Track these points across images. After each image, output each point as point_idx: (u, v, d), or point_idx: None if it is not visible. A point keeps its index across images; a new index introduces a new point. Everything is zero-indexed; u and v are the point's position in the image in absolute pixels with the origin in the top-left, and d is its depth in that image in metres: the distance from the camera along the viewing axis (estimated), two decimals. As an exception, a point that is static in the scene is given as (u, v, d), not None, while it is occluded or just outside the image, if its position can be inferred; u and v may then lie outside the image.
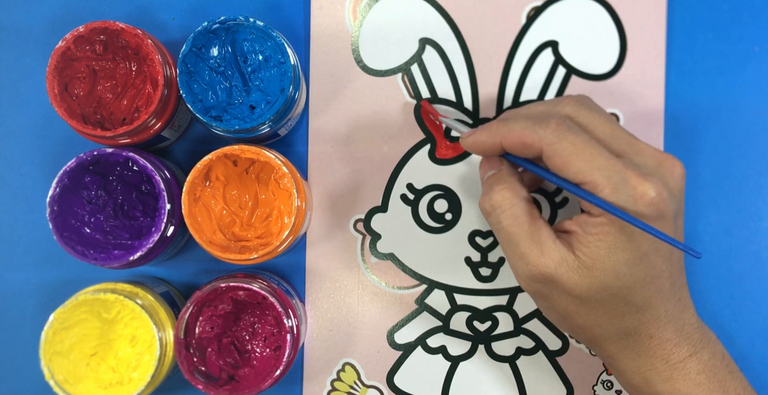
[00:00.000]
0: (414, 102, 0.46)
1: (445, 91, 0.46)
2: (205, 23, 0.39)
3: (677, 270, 0.38)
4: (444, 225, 0.46)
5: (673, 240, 0.34)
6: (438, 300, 0.46)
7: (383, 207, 0.46)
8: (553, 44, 0.46)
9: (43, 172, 0.46)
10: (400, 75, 0.46)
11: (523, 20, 0.46)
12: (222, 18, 0.39)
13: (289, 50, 0.40)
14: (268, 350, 0.42)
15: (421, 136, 0.46)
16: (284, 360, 0.39)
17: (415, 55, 0.46)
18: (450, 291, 0.46)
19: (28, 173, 0.46)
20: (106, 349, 0.41)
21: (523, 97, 0.46)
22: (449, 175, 0.46)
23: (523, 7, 0.46)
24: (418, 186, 0.46)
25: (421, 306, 0.46)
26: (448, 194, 0.46)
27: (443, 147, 0.46)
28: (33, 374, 0.41)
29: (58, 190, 0.39)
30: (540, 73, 0.46)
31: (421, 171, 0.46)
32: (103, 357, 0.41)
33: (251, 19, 0.39)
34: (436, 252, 0.46)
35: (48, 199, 0.39)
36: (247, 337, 0.42)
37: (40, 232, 0.45)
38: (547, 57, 0.46)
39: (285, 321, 0.40)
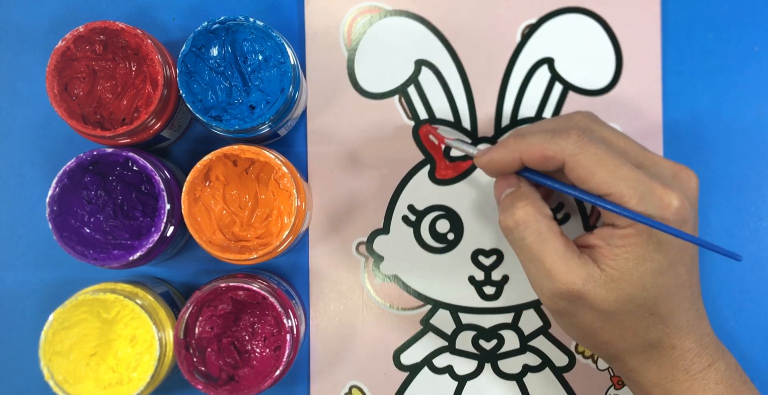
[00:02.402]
0: (412, 123, 0.46)
1: (442, 111, 0.46)
2: (205, 23, 0.39)
3: (696, 280, 0.38)
4: (446, 245, 0.46)
5: (714, 245, 0.34)
6: (443, 319, 0.46)
7: (385, 229, 0.46)
8: (548, 61, 0.46)
9: (43, 172, 0.46)
10: (397, 97, 0.46)
11: (518, 38, 0.46)
12: (222, 18, 0.39)
13: (288, 50, 0.40)
14: (267, 350, 0.42)
15: (420, 156, 0.46)
16: (284, 360, 0.39)
17: (412, 76, 0.46)
18: (455, 310, 0.46)
19: (28, 173, 0.46)
20: (105, 349, 0.41)
21: (520, 115, 0.46)
22: (450, 195, 0.46)
23: (518, 25, 0.46)
24: (419, 207, 0.46)
25: (426, 327, 0.46)
26: (449, 214, 0.46)
27: (443, 167, 0.46)
28: (33, 374, 0.41)
29: (57, 189, 0.39)
30: (537, 90, 0.46)
31: (422, 192, 0.46)
32: (102, 357, 0.41)
33: (251, 19, 0.39)
34: (439, 272, 0.46)
35: (48, 199, 0.39)
36: (247, 337, 0.42)
37: (40, 232, 0.45)
38: (543, 74, 0.46)
39: (285, 321, 0.40)
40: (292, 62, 0.40)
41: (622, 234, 0.36)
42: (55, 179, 0.39)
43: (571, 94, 0.46)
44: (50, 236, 0.40)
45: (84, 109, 0.41)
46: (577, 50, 0.46)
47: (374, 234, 0.46)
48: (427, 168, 0.46)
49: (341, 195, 0.46)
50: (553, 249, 0.37)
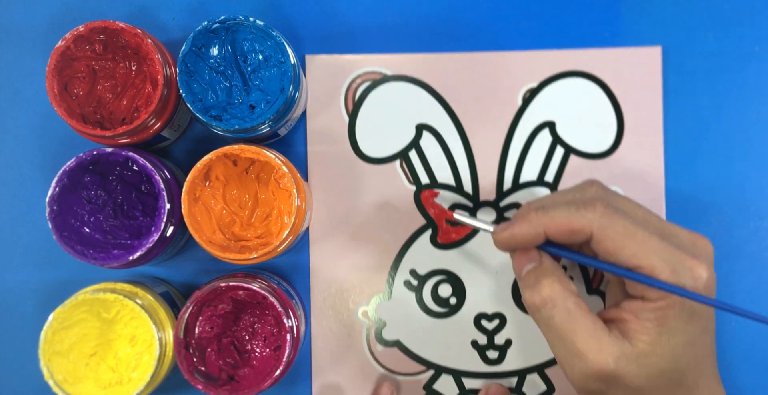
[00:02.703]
0: (413, 188, 0.46)
1: (444, 175, 0.46)
2: (205, 23, 0.39)
3: (714, 346, 0.38)
4: (449, 309, 0.46)
5: (760, 316, 0.34)
6: (446, 385, 0.46)
7: (387, 295, 0.46)
8: (550, 125, 0.46)
9: (43, 172, 0.46)
10: (398, 162, 0.46)
11: (519, 102, 0.46)
12: (222, 17, 0.39)
13: (288, 50, 0.40)
14: (267, 350, 0.42)
15: (422, 221, 0.46)
16: (284, 360, 0.39)
17: (413, 141, 0.46)
18: (458, 375, 0.46)
19: (28, 173, 0.46)
20: (105, 349, 0.41)
21: (522, 179, 0.46)
22: (452, 260, 0.46)
23: (519, 88, 0.46)
24: (421, 271, 0.46)
25: (430, 392, 0.45)
26: (451, 278, 0.46)
27: (444, 231, 0.46)
28: (32, 374, 0.41)
29: (57, 189, 0.39)
30: (538, 153, 0.46)
31: (424, 256, 0.46)
32: (102, 357, 0.40)
33: (251, 19, 0.39)
34: (442, 337, 0.46)
35: (47, 199, 0.39)
36: (247, 337, 0.42)
37: (40, 232, 0.45)
38: (544, 137, 0.46)
39: (285, 321, 0.40)
40: (292, 62, 0.40)
41: (654, 307, 0.35)
42: (55, 179, 0.39)
43: (572, 158, 0.46)
44: (50, 236, 0.40)
45: (84, 108, 0.41)
46: (579, 114, 0.46)
47: (377, 300, 0.46)
48: (429, 232, 0.46)
49: (344, 260, 0.46)
50: (583, 327, 0.36)
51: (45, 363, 0.39)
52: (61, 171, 0.39)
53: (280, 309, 0.40)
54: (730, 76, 0.46)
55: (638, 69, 0.46)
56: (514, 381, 0.46)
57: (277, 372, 0.39)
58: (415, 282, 0.46)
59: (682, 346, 0.36)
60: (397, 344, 0.46)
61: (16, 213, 0.46)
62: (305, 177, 0.46)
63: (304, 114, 0.46)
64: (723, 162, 0.46)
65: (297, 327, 0.40)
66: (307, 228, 0.46)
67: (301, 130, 0.46)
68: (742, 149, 0.46)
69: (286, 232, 0.39)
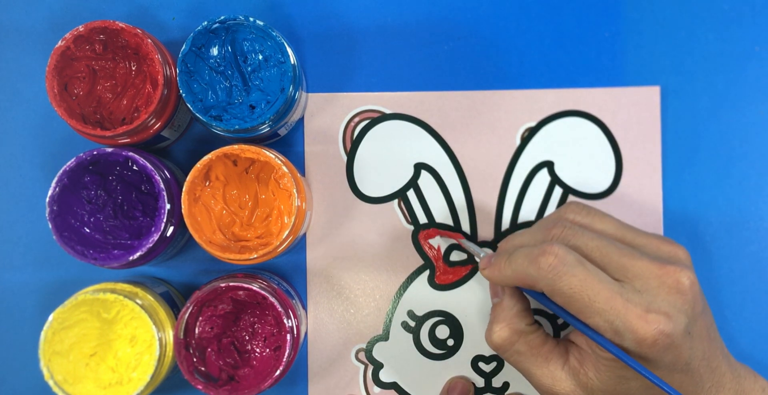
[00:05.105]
0: (411, 228, 0.46)
1: (442, 215, 0.46)
2: (205, 23, 0.40)
3: (710, 361, 0.37)
4: (446, 351, 0.45)
5: (670, 389, 0.34)
6: None
7: (384, 336, 0.46)
8: (548, 164, 0.46)
9: (43, 172, 0.46)
10: (396, 201, 0.46)
11: (518, 142, 0.46)
12: (222, 17, 0.39)
13: (288, 50, 0.40)
14: (267, 350, 0.42)
15: (420, 261, 0.46)
16: (284, 360, 0.39)
17: (411, 180, 0.46)
18: None
19: (28, 173, 0.46)
20: (105, 349, 0.41)
21: (520, 219, 0.46)
22: (450, 301, 0.45)
23: (518, 128, 0.46)
24: (419, 312, 0.46)
25: None
26: (449, 319, 0.45)
27: (442, 272, 0.46)
28: (32, 374, 0.41)
29: (57, 189, 0.39)
30: (537, 193, 0.46)
31: (422, 297, 0.45)
32: (102, 357, 0.40)
33: (251, 19, 0.39)
34: (439, 379, 0.45)
35: (47, 199, 0.39)
36: (247, 337, 0.42)
37: (40, 232, 0.45)
38: (543, 177, 0.46)
39: (285, 321, 0.40)
40: (292, 62, 0.40)
41: (603, 356, 0.36)
42: (55, 179, 0.39)
43: (571, 198, 0.46)
44: (50, 236, 0.40)
45: (84, 108, 0.41)
46: (577, 154, 0.46)
47: (374, 341, 0.46)
48: (427, 273, 0.46)
49: (340, 300, 0.45)
50: (536, 365, 0.38)
51: (45, 363, 0.39)
52: (61, 171, 0.39)
53: (280, 309, 0.40)
54: (730, 76, 0.46)
55: (637, 109, 0.46)
56: None
57: (277, 372, 0.39)
58: (412, 324, 0.45)
59: (638, 389, 0.36)
60: (395, 386, 0.45)
61: (16, 213, 0.46)
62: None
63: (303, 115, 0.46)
64: (722, 161, 0.46)
65: (297, 327, 0.40)
66: (305, 234, 0.46)
67: (301, 130, 0.46)
68: (741, 149, 0.46)
69: (286, 232, 0.39)
